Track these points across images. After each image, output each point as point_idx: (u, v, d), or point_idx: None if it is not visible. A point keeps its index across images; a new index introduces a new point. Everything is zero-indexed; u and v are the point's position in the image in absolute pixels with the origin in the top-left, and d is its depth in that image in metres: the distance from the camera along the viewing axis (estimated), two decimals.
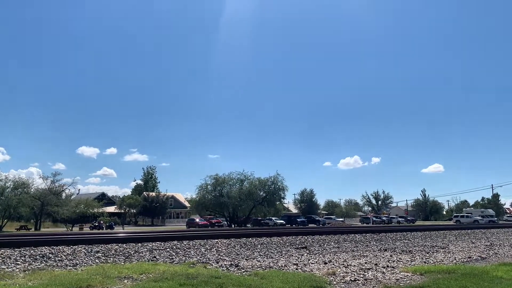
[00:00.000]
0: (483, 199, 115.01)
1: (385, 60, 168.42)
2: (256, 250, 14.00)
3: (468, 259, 12.53)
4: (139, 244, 13.93)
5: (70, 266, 9.85)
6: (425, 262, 11.65)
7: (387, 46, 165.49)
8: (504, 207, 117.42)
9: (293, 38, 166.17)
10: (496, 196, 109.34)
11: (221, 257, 11.98)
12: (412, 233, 24.16)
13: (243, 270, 9.39)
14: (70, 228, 51.93)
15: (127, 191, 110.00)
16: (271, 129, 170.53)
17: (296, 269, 9.78)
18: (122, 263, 10.51)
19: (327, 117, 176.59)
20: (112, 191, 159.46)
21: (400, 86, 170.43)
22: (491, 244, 18.39)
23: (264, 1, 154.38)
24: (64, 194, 60.61)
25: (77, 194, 75.27)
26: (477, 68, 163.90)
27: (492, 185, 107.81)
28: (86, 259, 10.96)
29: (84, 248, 12.41)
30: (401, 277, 8.69)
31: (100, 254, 11.69)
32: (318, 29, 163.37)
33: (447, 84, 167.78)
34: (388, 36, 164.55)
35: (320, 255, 13.03)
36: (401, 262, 11.39)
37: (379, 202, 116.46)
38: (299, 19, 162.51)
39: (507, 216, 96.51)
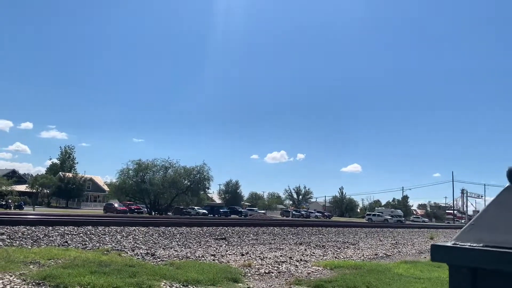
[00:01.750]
0: (394, 199, 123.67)
1: (315, 59, 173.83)
2: (174, 240, 13.88)
3: (375, 256, 13.43)
4: (50, 228, 13.19)
5: None
6: (336, 257, 12.30)
7: (315, 46, 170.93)
8: (412, 208, 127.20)
9: (232, 36, 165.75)
10: (405, 198, 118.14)
11: (137, 245, 11.73)
12: (327, 229, 25.32)
13: (159, 259, 9.29)
14: None
15: (41, 170, 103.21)
16: (201, 118, 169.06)
17: (213, 260, 9.86)
18: (30, 247, 9.91)
19: (257, 111, 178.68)
20: (24, 168, 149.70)
21: (329, 87, 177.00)
22: (396, 242, 19.85)
23: None
24: None
25: None
26: (396, 73, 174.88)
27: (403, 187, 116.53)
28: None
29: None
30: (312, 271, 9.11)
31: (5, 237, 10.91)
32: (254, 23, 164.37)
33: (368, 88, 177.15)
34: (315, 36, 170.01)
35: (238, 247, 13.25)
36: (314, 256, 11.92)
37: (300, 197, 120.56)
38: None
39: (414, 217, 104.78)
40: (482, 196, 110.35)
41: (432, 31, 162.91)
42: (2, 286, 5.66)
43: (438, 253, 1.46)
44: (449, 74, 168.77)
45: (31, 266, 7.20)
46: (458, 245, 1.43)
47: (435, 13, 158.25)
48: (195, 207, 64.07)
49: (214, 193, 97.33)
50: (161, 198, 60.38)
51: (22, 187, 71.94)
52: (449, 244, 1.47)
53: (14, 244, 10.21)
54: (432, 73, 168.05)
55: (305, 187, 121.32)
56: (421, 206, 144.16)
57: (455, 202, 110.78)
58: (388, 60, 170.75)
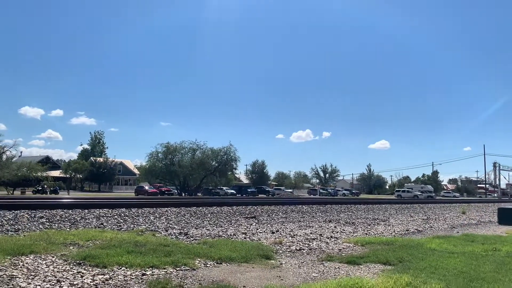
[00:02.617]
0: (423, 175, 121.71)
1: (338, 35, 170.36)
2: (206, 219, 14.14)
3: (406, 232, 13.33)
4: (86, 211, 13.64)
5: (11, 231, 9.52)
6: (366, 233, 12.27)
7: (341, 22, 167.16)
8: (442, 183, 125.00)
9: (252, 15, 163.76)
10: (435, 173, 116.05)
11: (170, 226, 12.01)
12: (356, 206, 25.19)
13: (192, 239, 9.49)
14: (11, 192, 49.77)
15: (73, 156, 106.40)
16: (225, 100, 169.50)
17: (245, 238, 10.01)
18: (68, 229, 10.29)
19: (281, 90, 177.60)
20: (57, 154, 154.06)
21: (353, 63, 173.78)
22: (427, 218, 19.61)
23: None
24: (4, 156, 57.59)
25: (19, 156, 71.89)
26: (428, 47, 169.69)
27: (432, 162, 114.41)
28: (29, 224, 10.62)
29: (27, 213, 12.00)
30: (343, 248, 9.14)
31: (44, 220, 11.36)
32: (281, 7, 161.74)
33: (398, 62, 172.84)
34: (342, 14, 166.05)
35: (268, 225, 13.38)
36: (344, 233, 11.94)
37: (327, 175, 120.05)
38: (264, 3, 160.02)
39: (444, 192, 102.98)
40: None
41: None
42: (45, 266, 5.92)
43: (506, 215, 1.44)
44: (477, 45, 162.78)
45: (71, 247, 7.49)
46: None
47: None
48: (224, 188, 64.77)
49: (241, 173, 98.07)
50: (190, 180, 61.30)
51: (56, 173, 74.25)
52: None
53: (53, 227, 10.62)
54: (459, 45, 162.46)
55: (331, 165, 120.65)
56: (452, 181, 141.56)
57: (487, 176, 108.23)
58: (416, 36, 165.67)
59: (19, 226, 10.21)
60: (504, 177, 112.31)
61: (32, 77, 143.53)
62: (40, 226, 10.57)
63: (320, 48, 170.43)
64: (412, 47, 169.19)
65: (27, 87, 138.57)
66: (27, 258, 6.33)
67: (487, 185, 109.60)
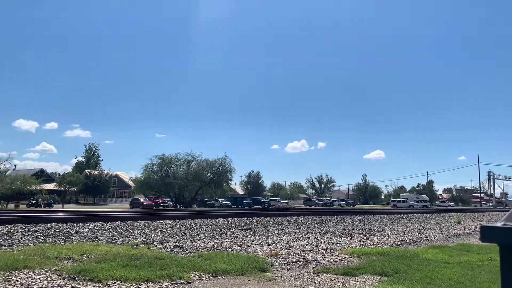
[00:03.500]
0: (418, 185, 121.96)
1: (333, 45, 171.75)
2: (201, 232, 14.07)
3: (402, 242, 13.32)
4: (80, 224, 13.55)
5: (5, 246, 9.43)
6: (362, 244, 12.26)
7: (335, 32, 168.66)
8: (437, 193, 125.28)
9: (248, 25, 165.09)
10: (430, 183, 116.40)
11: (165, 238, 11.95)
12: (352, 217, 25.18)
13: (187, 251, 9.45)
14: (5, 206, 49.33)
15: (68, 168, 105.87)
16: (220, 111, 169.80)
17: (240, 250, 9.97)
18: (62, 243, 10.21)
19: (276, 100, 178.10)
20: (51, 167, 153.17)
21: (348, 72, 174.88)
22: (423, 228, 19.63)
23: None
24: None
25: (13, 170, 71.36)
26: (418, 58, 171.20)
27: (427, 172, 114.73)
28: (23, 239, 10.53)
29: (21, 227, 11.90)
30: (339, 259, 9.12)
31: (38, 234, 11.27)
32: (277, 14, 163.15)
33: (390, 73, 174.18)
34: (336, 25, 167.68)
35: (264, 237, 13.34)
36: (340, 245, 11.92)
37: (322, 186, 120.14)
38: (256, 11, 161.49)
39: (439, 202, 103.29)
40: (510, 178, 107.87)
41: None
42: (39, 281, 5.87)
43: (488, 234, 1.46)
44: (473, 54, 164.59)
45: (65, 262, 7.43)
46: (509, 226, 1.43)
47: None
48: (219, 199, 64.58)
49: (236, 184, 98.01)
50: (186, 191, 61.06)
51: (50, 186, 73.85)
52: (499, 224, 1.46)
53: (47, 241, 10.53)
54: (455, 55, 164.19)
55: (327, 175, 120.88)
56: (447, 191, 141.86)
57: (481, 185, 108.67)
58: (409, 42, 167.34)
59: (13, 241, 10.12)
60: (499, 186, 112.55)
61: (27, 89, 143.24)
62: (34, 240, 10.48)
63: (315, 59, 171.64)
64: (406, 56, 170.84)
65: (21, 99, 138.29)
66: (21, 273, 6.27)
67: (482, 194, 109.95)
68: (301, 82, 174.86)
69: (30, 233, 11.34)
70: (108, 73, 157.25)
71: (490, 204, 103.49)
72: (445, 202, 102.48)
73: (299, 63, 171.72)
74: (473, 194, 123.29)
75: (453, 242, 13.68)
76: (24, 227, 11.99)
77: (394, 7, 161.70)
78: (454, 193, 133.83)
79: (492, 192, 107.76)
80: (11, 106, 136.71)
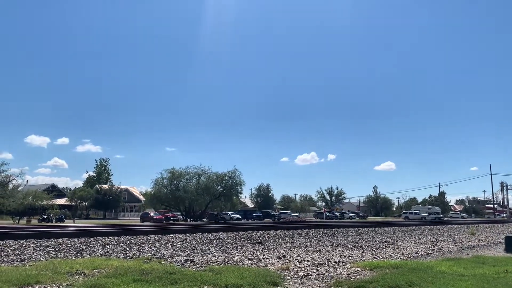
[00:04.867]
0: (430, 196, 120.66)
1: (343, 57, 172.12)
2: (211, 245, 14.02)
3: (415, 255, 13.13)
4: (91, 239, 13.58)
5: (17, 261, 9.48)
6: (375, 257, 12.10)
7: (345, 46, 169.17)
8: (449, 204, 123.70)
9: (257, 38, 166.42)
10: (442, 194, 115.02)
11: (176, 252, 11.91)
12: (363, 229, 24.91)
13: (198, 266, 9.40)
14: (17, 221, 49.70)
15: (79, 183, 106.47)
16: (230, 124, 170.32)
17: (251, 264, 9.90)
18: (74, 258, 10.23)
19: (286, 113, 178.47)
20: (63, 182, 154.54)
21: (358, 84, 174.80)
22: (436, 240, 19.34)
23: None
24: (10, 185, 57.77)
25: (25, 185, 71.98)
26: (427, 68, 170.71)
27: (439, 183, 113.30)
28: (35, 254, 10.58)
29: (33, 243, 11.96)
30: (352, 272, 9.00)
31: (50, 249, 11.31)
32: (284, 30, 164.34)
33: (399, 84, 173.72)
34: (345, 37, 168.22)
35: (275, 250, 13.24)
36: (352, 257, 11.78)
37: (333, 198, 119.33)
38: (266, 20, 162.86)
39: (452, 213, 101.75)
40: None
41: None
42: None
43: None
44: (482, 62, 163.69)
45: (77, 277, 7.43)
46: None
47: None
48: (229, 212, 64.41)
49: (246, 197, 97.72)
50: (196, 205, 61.01)
51: (61, 201, 74.36)
52: None
53: (59, 256, 10.56)
54: (465, 63, 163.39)
55: (337, 187, 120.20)
56: (459, 202, 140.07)
57: (494, 196, 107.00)
58: (419, 54, 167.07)
59: (25, 256, 10.17)
60: None
61: (38, 105, 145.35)
62: (46, 255, 10.52)
63: (325, 71, 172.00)
64: (414, 66, 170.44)
65: (33, 116, 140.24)
66: None
67: (495, 205, 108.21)
68: (310, 95, 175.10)
69: (41, 248, 11.39)
70: (118, 89, 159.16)
71: (504, 215, 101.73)
72: (458, 213, 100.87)
73: (309, 77, 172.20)
74: (486, 205, 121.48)
75: (468, 254, 13.45)
76: (36, 242, 12.05)
77: (402, 11, 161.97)
78: (467, 204, 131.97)
79: (505, 203, 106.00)
80: (23, 122, 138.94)
